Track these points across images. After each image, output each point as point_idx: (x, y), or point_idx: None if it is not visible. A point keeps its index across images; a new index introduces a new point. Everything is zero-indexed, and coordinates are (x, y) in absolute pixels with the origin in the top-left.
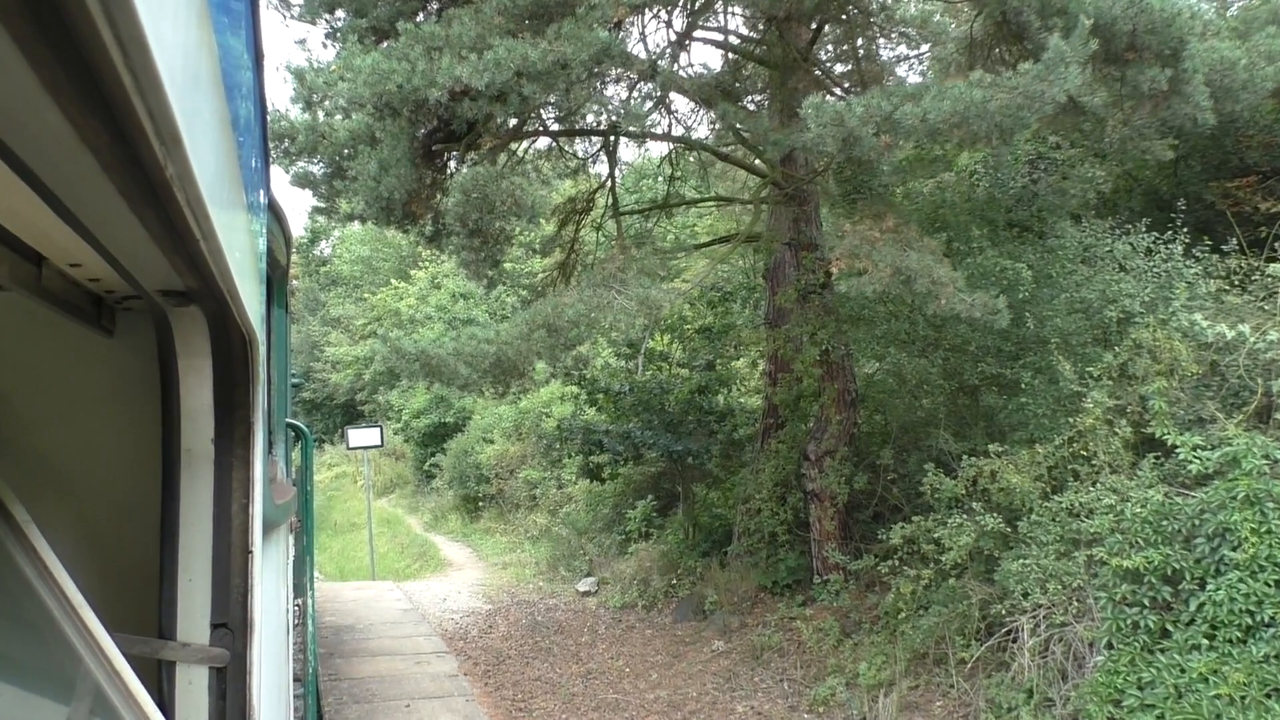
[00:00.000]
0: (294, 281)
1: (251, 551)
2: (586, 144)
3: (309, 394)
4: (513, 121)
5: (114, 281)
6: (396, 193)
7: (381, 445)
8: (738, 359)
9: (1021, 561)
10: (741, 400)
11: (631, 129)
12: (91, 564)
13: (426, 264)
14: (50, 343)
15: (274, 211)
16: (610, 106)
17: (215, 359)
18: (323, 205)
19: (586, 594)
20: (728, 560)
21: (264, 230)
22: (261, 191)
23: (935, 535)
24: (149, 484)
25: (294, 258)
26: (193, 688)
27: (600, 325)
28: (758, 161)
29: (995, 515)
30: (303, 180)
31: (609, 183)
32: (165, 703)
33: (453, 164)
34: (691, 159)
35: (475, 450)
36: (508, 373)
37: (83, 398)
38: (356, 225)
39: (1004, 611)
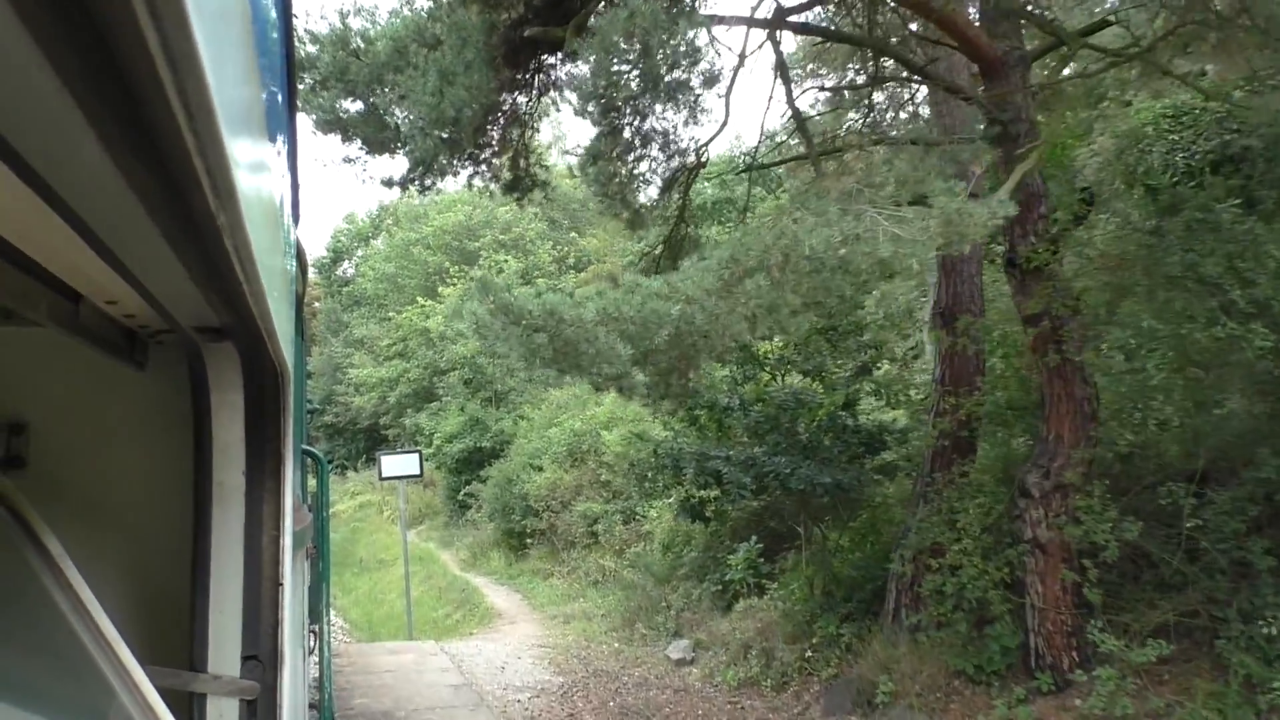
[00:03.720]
0: (316, 303)
1: (282, 584)
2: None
3: (330, 418)
4: None
5: (149, 317)
6: (467, 110)
7: (420, 475)
8: (881, 362)
9: None
10: (877, 417)
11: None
12: (124, 596)
13: (455, 280)
14: (82, 376)
15: None
16: None
17: (247, 393)
18: (358, 156)
19: (682, 662)
20: (887, 628)
21: (295, 262)
22: (293, 227)
23: None
24: (181, 516)
25: (317, 278)
26: None
27: (866, 263)
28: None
29: None
30: (331, 123)
31: (777, 89)
32: None
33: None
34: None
35: (521, 479)
36: (689, 356)
37: (115, 431)
38: (396, 195)
39: None
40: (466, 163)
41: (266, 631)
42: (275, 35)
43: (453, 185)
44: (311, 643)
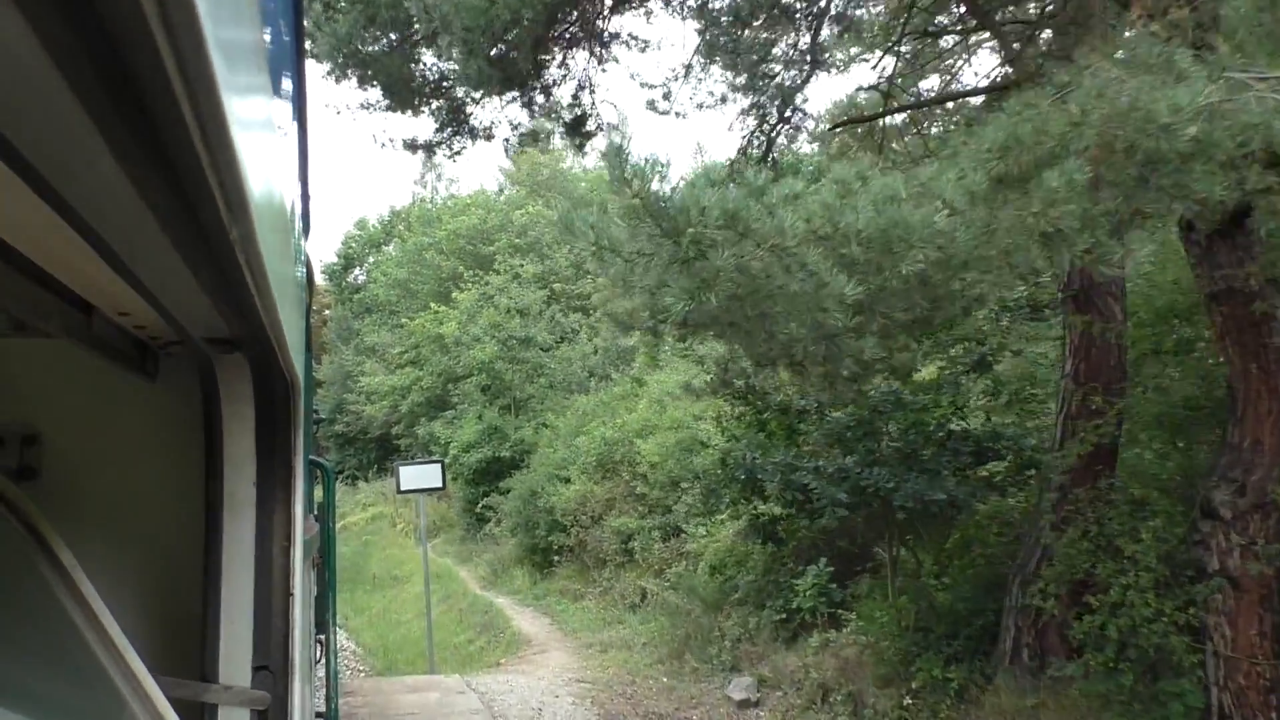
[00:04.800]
0: (326, 311)
1: (292, 594)
2: None
3: (341, 427)
4: None
5: (160, 329)
6: (526, 12)
7: (443, 488)
8: (1003, 355)
9: None
10: (968, 422)
11: None
12: (136, 606)
13: (469, 285)
14: (94, 387)
15: None
16: None
17: (258, 404)
18: (378, 102)
19: (745, 704)
20: (1004, 672)
21: (305, 273)
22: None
23: None
24: (192, 527)
25: (327, 285)
26: None
27: (1230, 137)
28: None
29: None
30: (349, 57)
31: None
32: None
33: None
34: None
35: (546, 491)
36: (939, 301)
37: (126, 442)
38: (424, 162)
39: None
40: (518, 97)
41: (277, 642)
42: (287, 38)
43: (485, 153)
44: (318, 653)
